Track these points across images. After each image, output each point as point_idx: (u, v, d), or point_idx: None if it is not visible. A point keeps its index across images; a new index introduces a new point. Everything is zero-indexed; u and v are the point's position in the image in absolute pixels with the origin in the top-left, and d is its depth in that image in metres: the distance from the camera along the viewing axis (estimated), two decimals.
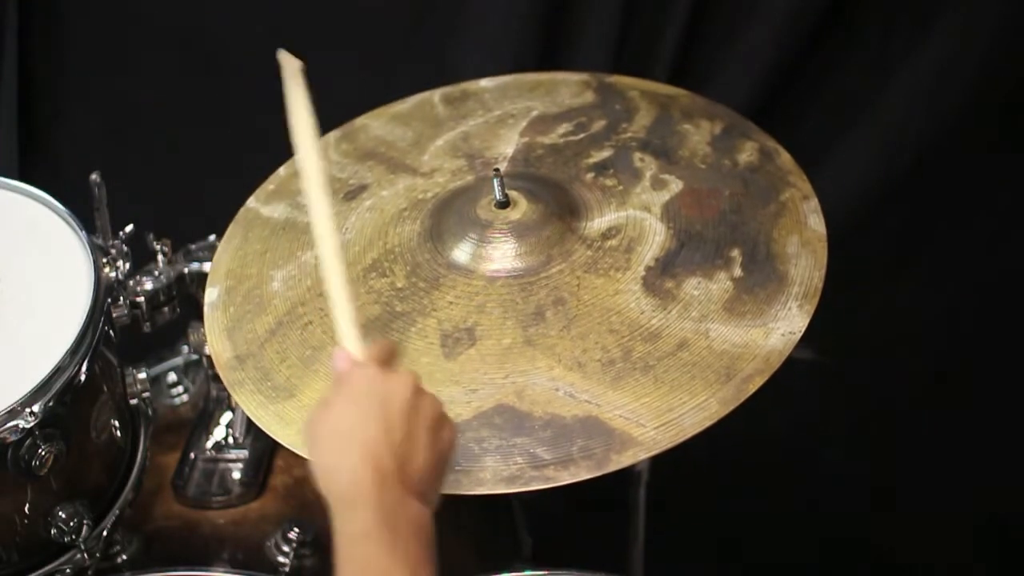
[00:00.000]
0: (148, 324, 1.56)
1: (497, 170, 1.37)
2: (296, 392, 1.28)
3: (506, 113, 1.57)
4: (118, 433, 1.47)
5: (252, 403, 1.29)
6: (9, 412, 1.27)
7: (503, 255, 1.34)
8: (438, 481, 1.06)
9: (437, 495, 1.06)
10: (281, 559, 1.60)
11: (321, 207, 1.18)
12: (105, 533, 1.45)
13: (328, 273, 1.16)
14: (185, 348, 1.81)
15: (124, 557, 1.61)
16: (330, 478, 1.03)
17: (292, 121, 1.24)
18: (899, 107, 2.01)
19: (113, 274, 1.46)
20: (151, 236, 1.58)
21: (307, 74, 2.21)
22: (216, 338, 1.37)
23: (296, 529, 1.60)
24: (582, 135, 1.51)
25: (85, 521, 1.39)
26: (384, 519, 0.99)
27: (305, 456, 1.21)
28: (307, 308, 1.35)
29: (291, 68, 1.26)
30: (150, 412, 1.54)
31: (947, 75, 1.98)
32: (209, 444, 1.71)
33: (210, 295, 1.42)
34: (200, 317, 1.41)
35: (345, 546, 1.01)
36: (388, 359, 1.10)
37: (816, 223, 1.37)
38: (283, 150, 1.57)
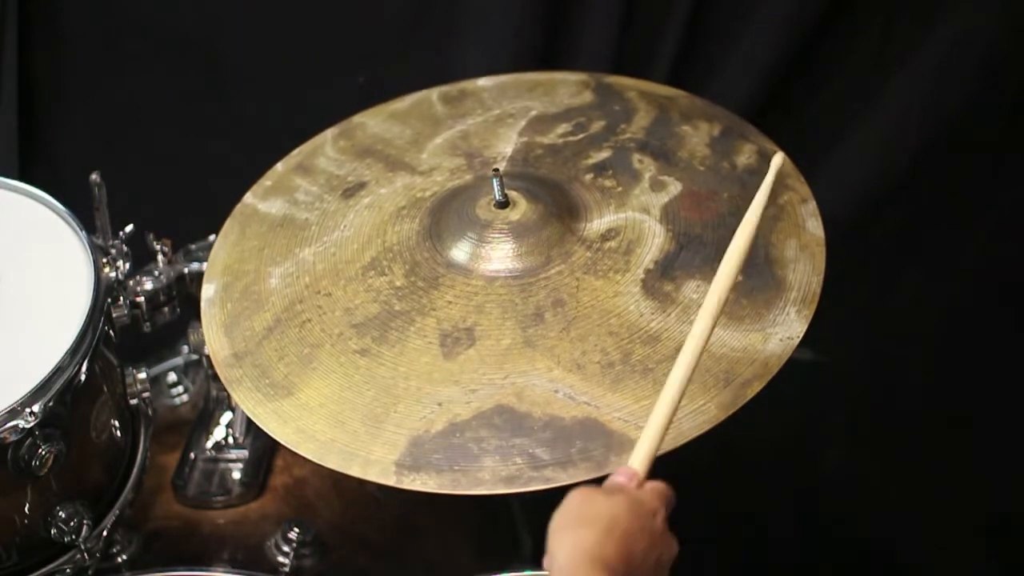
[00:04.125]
0: (148, 324, 1.56)
1: (497, 170, 1.37)
2: (294, 390, 1.28)
3: (505, 112, 1.56)
4: (118, 433, 1.47)
5: (250, 401, 1.29)
6: (9, 412, 1.27)
7: (502, 255, 1.34)
8: None
9: None
10: (281, 559, 1.60)
11: (705, 322, 1.14)
12: (105, 533, 1.44)
13: (667, 390, 1.13)
14: (185, 348, 1.81)
15: (124, 557, 1.60)
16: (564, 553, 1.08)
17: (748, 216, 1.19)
18: (899, 107, 2.01)
19: (113, 274, 1.46)
20: (151, 236, 1.57)
21: (307, 74, 2.21)
22: (213, 335, 1.36)
23: (296, 529, 1.60)
24: (581, 135, 1.50)
25: (85, 521, 1.39)
26: None
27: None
28: (305, 305, 1.35)
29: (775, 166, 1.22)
30: (150, 412, 1.54)
31: (947, 75, 1.98)
32: (209, 444, 1.71)
33: (207, 291, 1.41)
34: (200, 317, 1.41)
35: None
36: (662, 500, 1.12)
37: (814, 227, 1.37)
38: (282, 149, 1.58)
